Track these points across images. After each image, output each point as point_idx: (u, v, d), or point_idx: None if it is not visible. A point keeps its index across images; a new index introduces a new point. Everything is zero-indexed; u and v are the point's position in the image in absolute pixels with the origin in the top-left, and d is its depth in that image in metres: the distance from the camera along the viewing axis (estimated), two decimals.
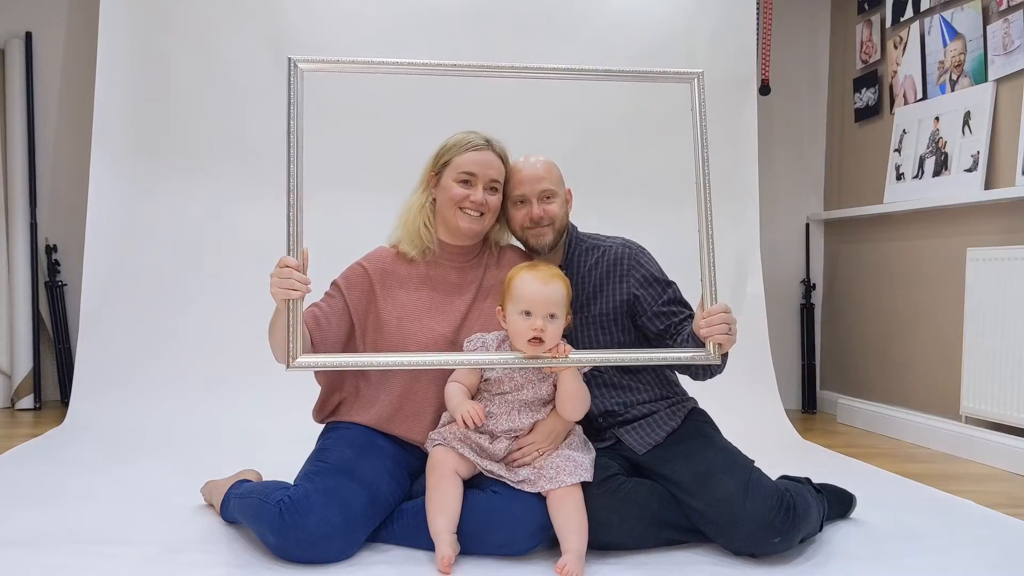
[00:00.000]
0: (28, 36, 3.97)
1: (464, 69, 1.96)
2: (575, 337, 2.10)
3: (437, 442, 1.94)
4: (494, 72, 1.98)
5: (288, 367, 1.85)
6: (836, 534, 2.11)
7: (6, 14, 3.99)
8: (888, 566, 1.89)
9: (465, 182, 2.05)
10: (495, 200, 2.08)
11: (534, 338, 1.82)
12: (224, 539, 1.98)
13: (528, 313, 1.84)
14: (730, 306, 1.91)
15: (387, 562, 1.82)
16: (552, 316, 1.84)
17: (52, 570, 1.76)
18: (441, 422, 2.00)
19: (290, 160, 1.84)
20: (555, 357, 1.85)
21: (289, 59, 1.88)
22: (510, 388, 1.93)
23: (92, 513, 2.19)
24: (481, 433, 1.90)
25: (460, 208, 2.06)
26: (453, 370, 1.97)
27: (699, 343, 1.92)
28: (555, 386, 1.93)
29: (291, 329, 1.83)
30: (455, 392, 1.92)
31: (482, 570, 1.80)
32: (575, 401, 1.91)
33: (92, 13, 3.75)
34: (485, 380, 1.95)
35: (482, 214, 2.07)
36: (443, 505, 1.84)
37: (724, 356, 1.94)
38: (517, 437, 1.92)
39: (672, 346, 2.04)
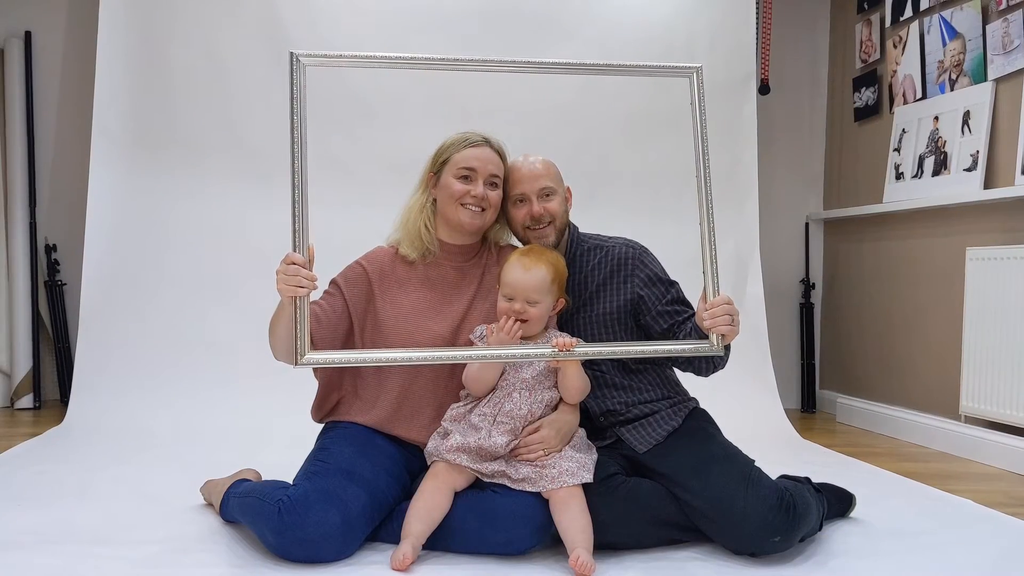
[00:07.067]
0: (28, 35, 3.97)
1: (464, 64, 1.97)
2: (578, 336, 2.08)
3: (435, 458, 1.94)
4: (493, 66, 1.99)
5: (296, 364, 1.85)
6: (836, 533, 2.10)
7: (6, 14, 3.98)
8: (888, 566, 1.88)
9: (465, 178, 2.05)
10: (495, 195, 2.08)
11: (513, 318, 1.90)
12: (224, 539, 1.98)
13: (511, 298, 1.92)
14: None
15: (386, 562, 1.80)
16: (533, 303, 1.92)
17: (51, 571, 1.75)
18: (440, 432, 1.99)
19: (294, 156, 1.84)
20: (561, 350, 1.86)
21: (291, 53, 1.87)
22: (509, 369, 1.96)
23: (91, 512, 2.19)
24: (483, 416, 1.90)
25: (462, 204, 2.05)
26: (452, 367, 2.01)
27: (702, 337, 1.92)
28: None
29: (299, 325, 1.82)
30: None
31: (482, 570, 1.79)
32: (579, 392, 1.97)
33: (92, 12, 3.74)
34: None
35: (483, 209, 2.06)
36: (425, 513, 1.84)
37: (727, 348, 1.94)
38: (523, 428, 1.92)
39: None
